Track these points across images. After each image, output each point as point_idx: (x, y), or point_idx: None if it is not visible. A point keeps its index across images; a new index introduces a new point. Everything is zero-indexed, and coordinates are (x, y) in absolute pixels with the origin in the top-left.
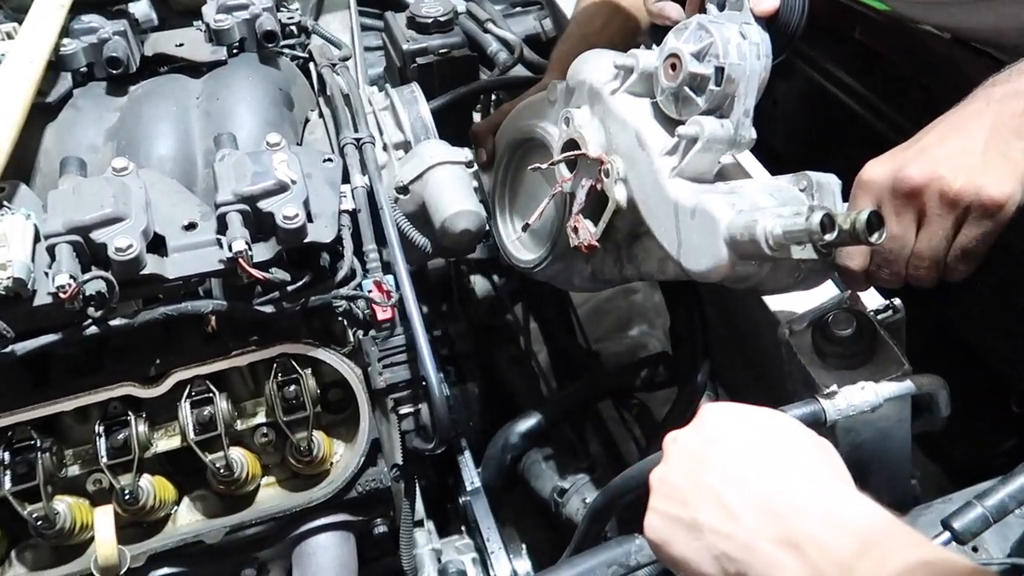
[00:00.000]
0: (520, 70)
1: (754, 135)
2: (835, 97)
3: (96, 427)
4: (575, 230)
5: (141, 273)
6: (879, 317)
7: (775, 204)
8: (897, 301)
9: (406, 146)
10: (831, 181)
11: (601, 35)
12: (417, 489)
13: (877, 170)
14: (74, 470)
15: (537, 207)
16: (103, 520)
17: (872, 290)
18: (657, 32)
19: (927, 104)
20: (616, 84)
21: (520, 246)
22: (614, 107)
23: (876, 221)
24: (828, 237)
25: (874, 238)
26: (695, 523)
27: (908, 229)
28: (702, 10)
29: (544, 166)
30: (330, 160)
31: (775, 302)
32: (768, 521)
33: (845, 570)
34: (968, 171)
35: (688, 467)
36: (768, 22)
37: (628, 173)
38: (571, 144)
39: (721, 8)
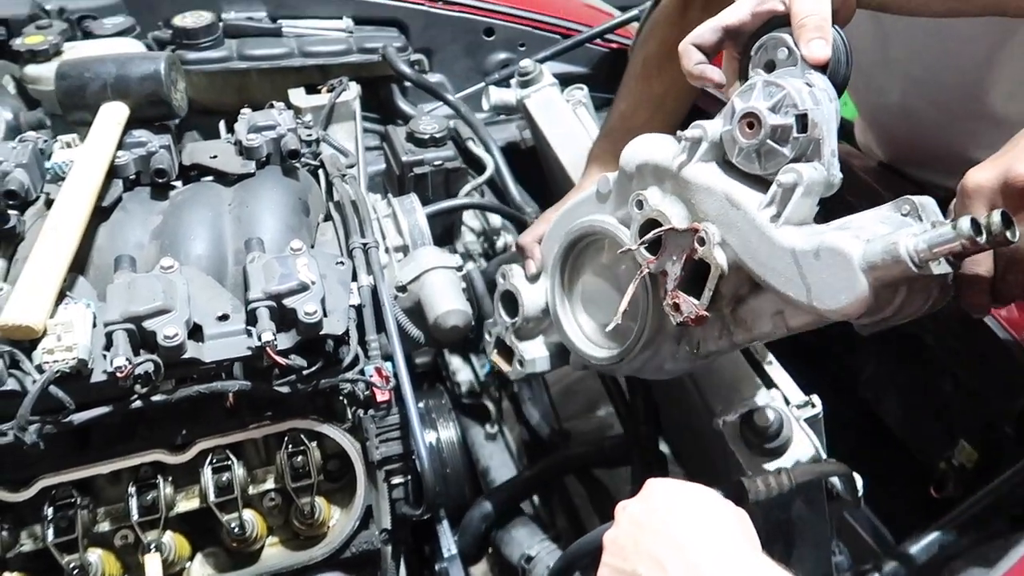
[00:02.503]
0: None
1: (841, 175)
2: None
3: (128, 488)
4: (675, 307)
5: (183, 357)
6: (797, 412)
7: (891, 230)
8: (815, 397)
9: (405, 249)
10: (930, 202)
11: (644, 128)
12: (401, 553)
13: (983, 175)
14: (104, 526)
15: (606, 302)
16: (153, 565)
17: (793, 387)
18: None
19: None
20: (684, 157)
21: (595, 346)
22: (692, 177)
23: (1006, 220)
24: (981, 240)
25: (1009, 234)
26: (635, 574)
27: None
28: (743, 73)
29: (632, 247)
30: (342, 263)
31: (713, 394)
32: (690, 574)
33: None
34: None
35: (632, 531)
36: (820, 71)
37: (725, 236)
38: (651, 224)
39: (770, 69)
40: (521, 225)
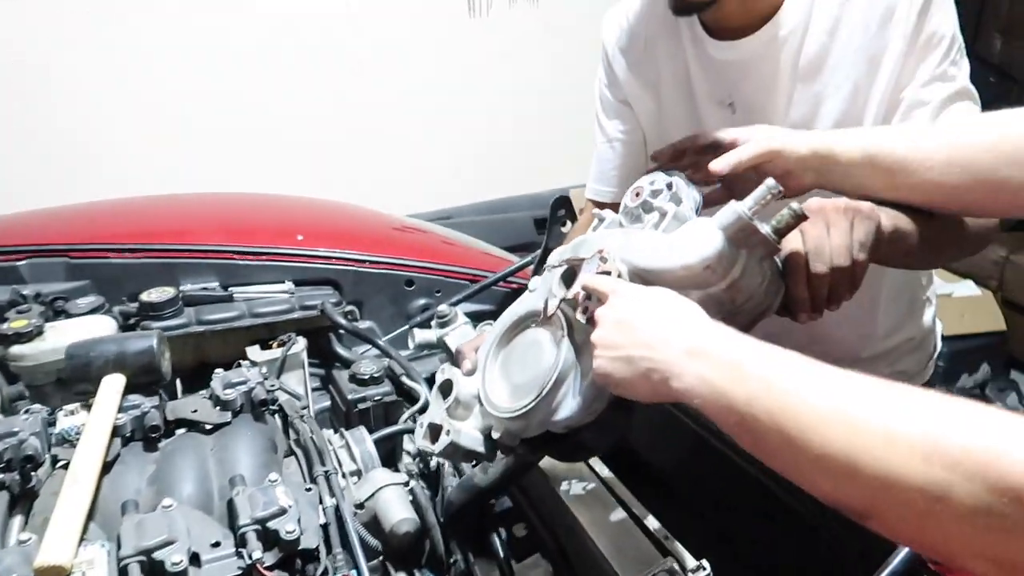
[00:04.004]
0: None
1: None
2: None
3: None
4: (585, 310)
5: None
6: None
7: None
8: (704, 561)
9: (358, 473)
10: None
11: None
12: None
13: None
14: None
15: (524, 365)
16: None
17: (686, 553)
18: None
19: None
20: (595, 224)
21: (511, 399)
22: (590, 239)
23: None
24: (776, 192)
25: (798, 206)
26: (628, 357)
27: (822, 231)
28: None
29: (556, 264)
30: (309, 489)
31: (620, 565)
32: (676, 343)
33: (735, 365)
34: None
35: (618, 327)
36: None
37: (621, 255)
38: (568, 270)
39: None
40: None
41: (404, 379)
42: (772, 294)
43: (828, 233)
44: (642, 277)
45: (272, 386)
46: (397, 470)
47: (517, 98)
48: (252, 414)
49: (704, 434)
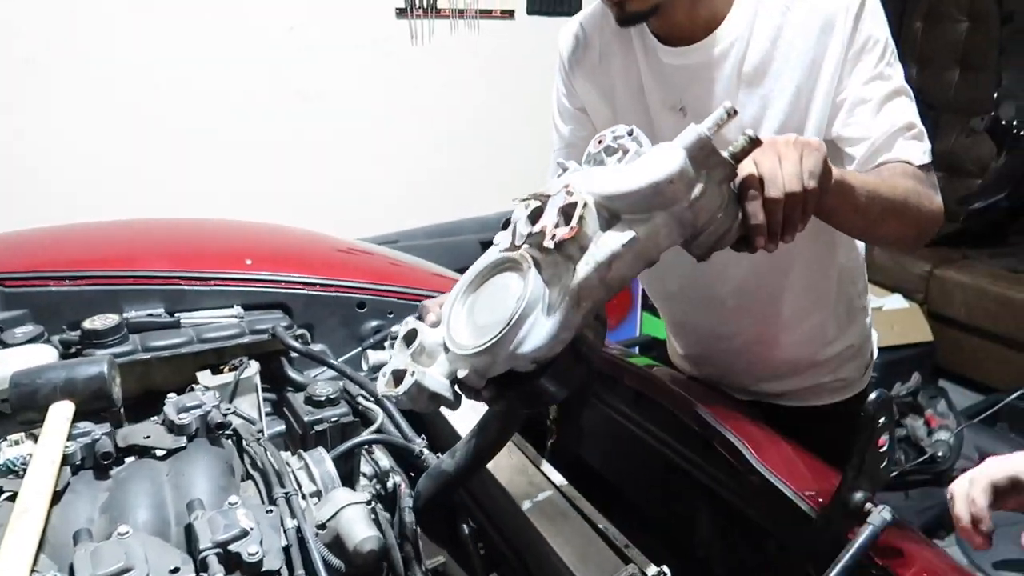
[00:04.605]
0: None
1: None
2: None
3: None
4: (552, 237)
5: None
6: None
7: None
8: (665, 567)
9: (318, 494)
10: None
11: None
12: None
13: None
14: None
15: (495, 304)
16: None
17: (647, 561)
18: None
19: None
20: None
21: (475, 335)
22: (553, 181)
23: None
24: (725, 118)
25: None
26: None
27: (775, 160)
28: None
29: (524, 197)
30: (270, 511)
31: (582, 571)
32: None
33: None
34: None
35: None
36: None
37: (587, 187)
38: (535, 208)
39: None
40: (410, 454)
41: (360, 400)
42: (731, 217)
43: (780, 163)
44: (608, 205)
45: (226, 410)
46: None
47: (461, 123)
48: (208, 438)
49: (657, 445)
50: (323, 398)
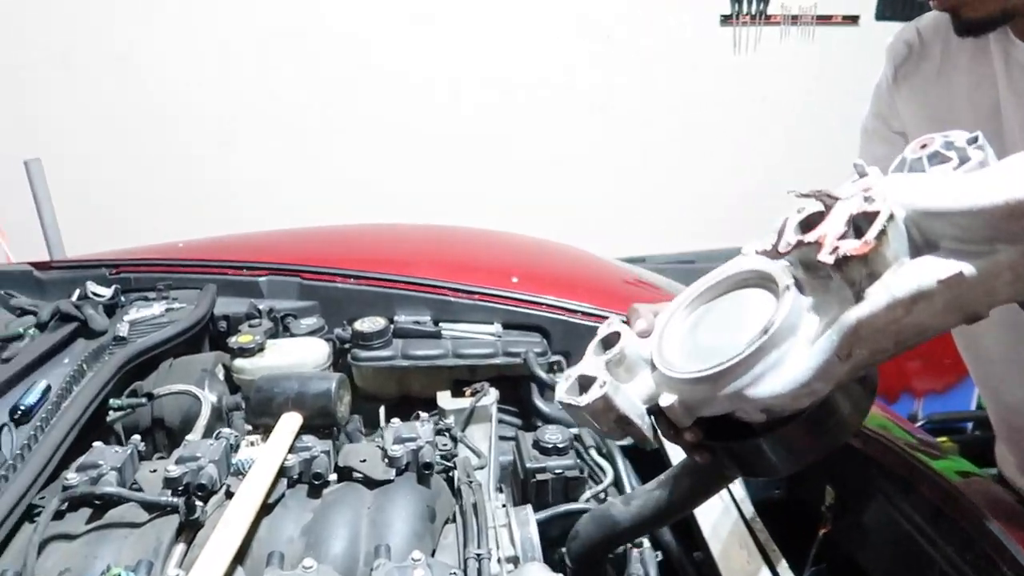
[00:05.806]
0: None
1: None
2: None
3: None
4: (834, 251)
5: None
6: None
7: None
8: None
9: (515, 560)
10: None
11: None
12: None
13: None
14: None
15: (729, 323)
16: None
17: None
18: None
19: None
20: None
21: (691, 359)
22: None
23: None
24: None
25: None
26: None
27: None
28: None
29: (805, 192)
30: (455, 574)
31: None
32: None
33: None
34: None
35: None
36: None
37: (895, 197)
38: (810, 215)
39: None
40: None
41: (593, 453)
42: None
43: None
44: (926, 224)
45: (446, 445)
46: (562, 558)
47: (776, 143)
48: (417, 475)
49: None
50: (550, 445)
